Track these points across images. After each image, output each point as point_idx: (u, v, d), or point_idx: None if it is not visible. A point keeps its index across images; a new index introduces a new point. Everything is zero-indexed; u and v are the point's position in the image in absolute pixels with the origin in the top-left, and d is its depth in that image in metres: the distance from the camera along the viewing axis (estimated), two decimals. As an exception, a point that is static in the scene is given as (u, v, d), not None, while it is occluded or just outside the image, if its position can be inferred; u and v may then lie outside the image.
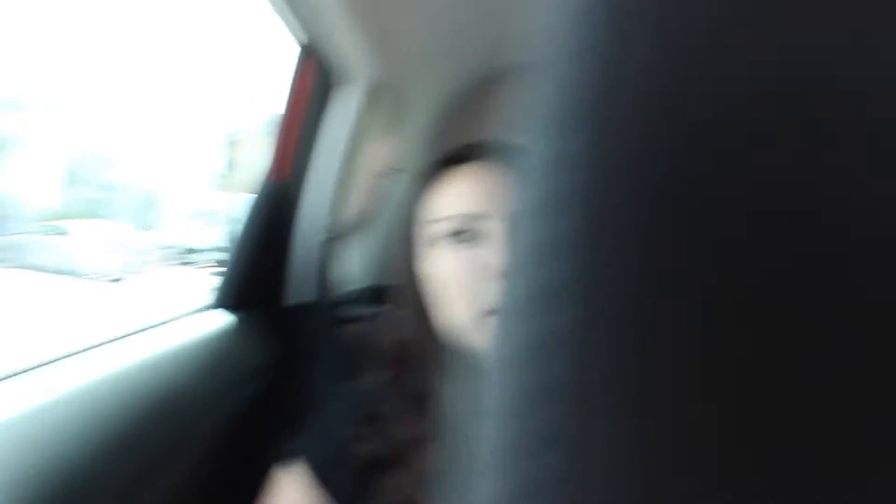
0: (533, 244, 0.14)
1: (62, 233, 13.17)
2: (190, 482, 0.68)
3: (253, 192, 1.01)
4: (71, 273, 12.58)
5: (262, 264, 0.98)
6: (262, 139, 1.05)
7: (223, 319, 0.89)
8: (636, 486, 0.13)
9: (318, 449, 0.64)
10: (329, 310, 1.05)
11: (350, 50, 0.94)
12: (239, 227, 0.99)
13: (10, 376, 0.54)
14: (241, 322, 0.91)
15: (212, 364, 0.78)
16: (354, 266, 1.37)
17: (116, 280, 12.93)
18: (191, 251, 14.89)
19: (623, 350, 0.13)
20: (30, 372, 0.56)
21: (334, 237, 1.07)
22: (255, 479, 0.73)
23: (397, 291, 0.67)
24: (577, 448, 0.13)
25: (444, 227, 0.62)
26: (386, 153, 1.20)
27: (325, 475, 0.62)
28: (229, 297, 0.95)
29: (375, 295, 1.34)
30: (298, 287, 1.03)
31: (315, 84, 1.00)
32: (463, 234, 0.61)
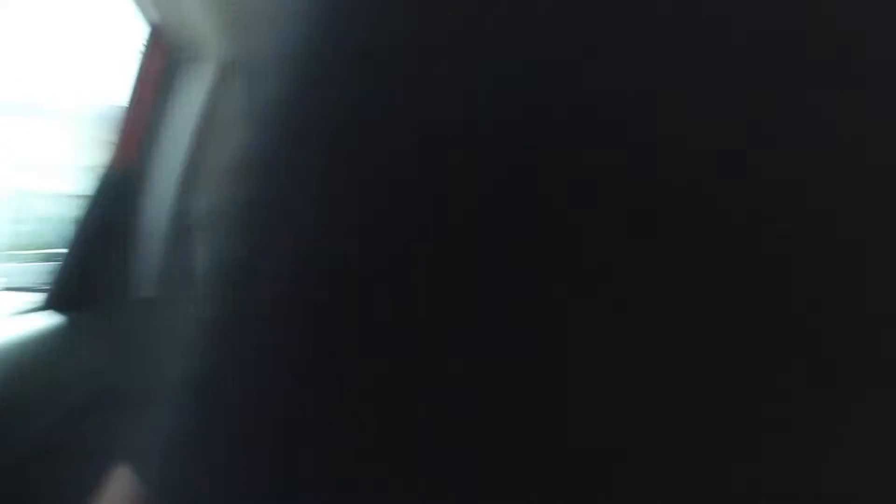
0: None
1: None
2: (15, 486, 0.64)
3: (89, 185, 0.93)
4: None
5: (100, 260, 0.91)
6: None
7: (52, 321, 0.81)
8: None
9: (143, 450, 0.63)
10: (175, 306, 0.99)
11: (201, 28, 0.89)
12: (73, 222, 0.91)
13: None
14: (72, 323, 0.84)
15: (37, 367, 0.73)
16: (205, 260, 1.30)
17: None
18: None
19: None
20: None
21: (185, 229, 1.02)
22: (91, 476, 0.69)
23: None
24: None
25: None
26: (239, 139, 1.15)
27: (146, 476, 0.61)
28: (61, 298, 0.87)
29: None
30: (144, 282, 0.96)
31: (164, 66, 0.93)
32: None
